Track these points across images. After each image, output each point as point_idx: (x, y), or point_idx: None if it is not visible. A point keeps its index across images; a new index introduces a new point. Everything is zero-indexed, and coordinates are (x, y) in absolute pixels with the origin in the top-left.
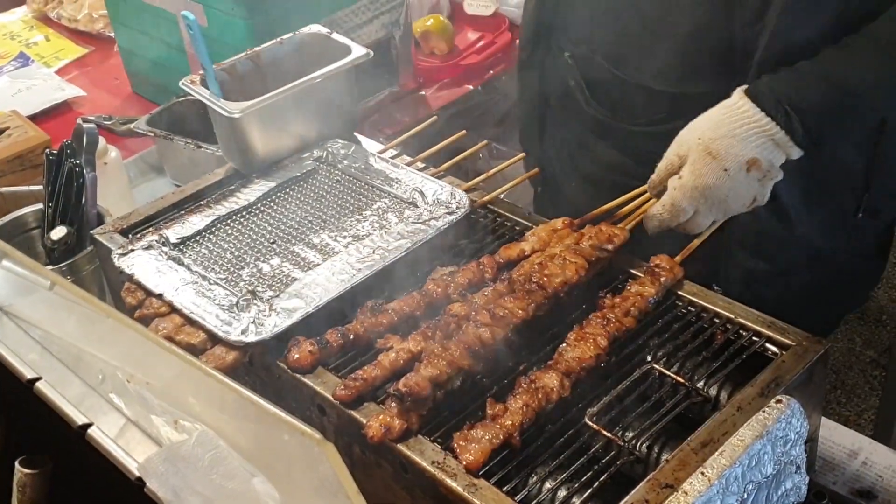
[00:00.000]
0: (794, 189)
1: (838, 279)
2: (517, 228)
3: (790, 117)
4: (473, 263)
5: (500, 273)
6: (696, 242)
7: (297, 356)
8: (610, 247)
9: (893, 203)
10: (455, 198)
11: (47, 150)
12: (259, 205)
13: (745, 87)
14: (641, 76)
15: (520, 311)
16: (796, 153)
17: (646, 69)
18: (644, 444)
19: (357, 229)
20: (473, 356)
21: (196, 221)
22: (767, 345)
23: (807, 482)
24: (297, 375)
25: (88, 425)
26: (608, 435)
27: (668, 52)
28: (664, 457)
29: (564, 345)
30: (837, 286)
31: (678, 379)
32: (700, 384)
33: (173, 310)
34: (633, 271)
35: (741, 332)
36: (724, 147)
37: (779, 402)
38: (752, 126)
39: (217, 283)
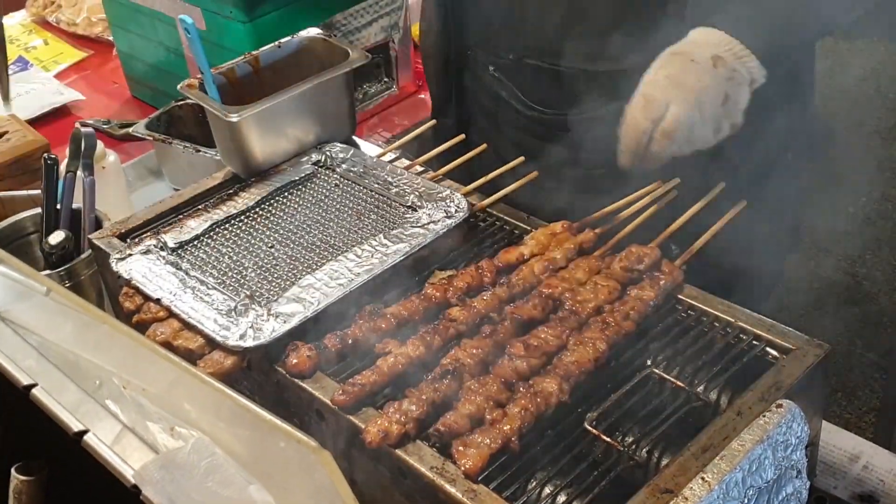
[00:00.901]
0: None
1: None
2: (516, 232)
3: (739, 26)
4: (472, 267)
5: (499, 277)
6: (697, 245)
7: (295, 361)
8: (641, 267)
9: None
10: (454, 201)
11: (46, 155)
12: (257, 209)
13: None
14: (583, 62)
15: (554, 340)
16: (757, 67)
17: (586, 53)
18: (644, 449)
19: (356, 233)
20: (510, 390)
21: (194, 226)
22: (768, 349)
23: (808, 487)
24: (296, 380)
25: (84, 432)
26: (608, 440)
27: (607, 28)
28: (664, 462)
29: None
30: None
31: (678, 383)
32: (700, 389)
33: (171, 315)
34: None
35: (741, 335)
36: (688, 47)
37: (779, 406)
38: (710, 37)
39: (215, 288)
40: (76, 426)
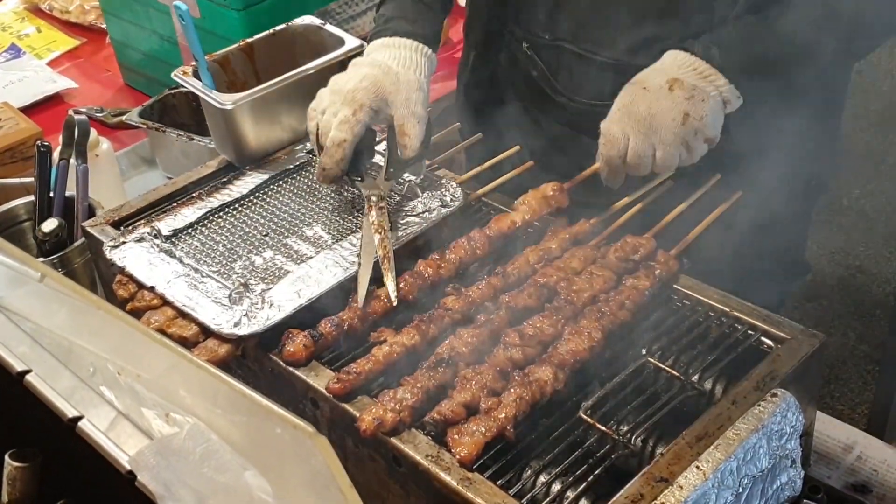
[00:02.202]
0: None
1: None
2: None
3: (708, 49)
4: (463, 239)
5: (492, 247)
6: (692, 234)
7: (291, 350)
8: (636, 257)
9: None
10: (449, 190)
11: (39, 142)
12: (252, 197)
13: None
14: (620, 54)
15: (549, 329)
16: (726, 87)
17: (625, 45)
18: (639, 438)
19: (350, 222)
20: (505, 379)
21: (188, 214)
22: (763, 338)
23: (802, 476)
24: (291, 368)
25: (79, 418)
26: (603, 429)
27: (649, 24)
28: (659, 450)
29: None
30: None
31: (673, 373)
32: (695, 378)
33: (165, 302)
34: None
35: (736, 325)
36: (645, 76)
37: (774, 395)
38: (674, 61)
39: (209, 276)
40: (70, 412)
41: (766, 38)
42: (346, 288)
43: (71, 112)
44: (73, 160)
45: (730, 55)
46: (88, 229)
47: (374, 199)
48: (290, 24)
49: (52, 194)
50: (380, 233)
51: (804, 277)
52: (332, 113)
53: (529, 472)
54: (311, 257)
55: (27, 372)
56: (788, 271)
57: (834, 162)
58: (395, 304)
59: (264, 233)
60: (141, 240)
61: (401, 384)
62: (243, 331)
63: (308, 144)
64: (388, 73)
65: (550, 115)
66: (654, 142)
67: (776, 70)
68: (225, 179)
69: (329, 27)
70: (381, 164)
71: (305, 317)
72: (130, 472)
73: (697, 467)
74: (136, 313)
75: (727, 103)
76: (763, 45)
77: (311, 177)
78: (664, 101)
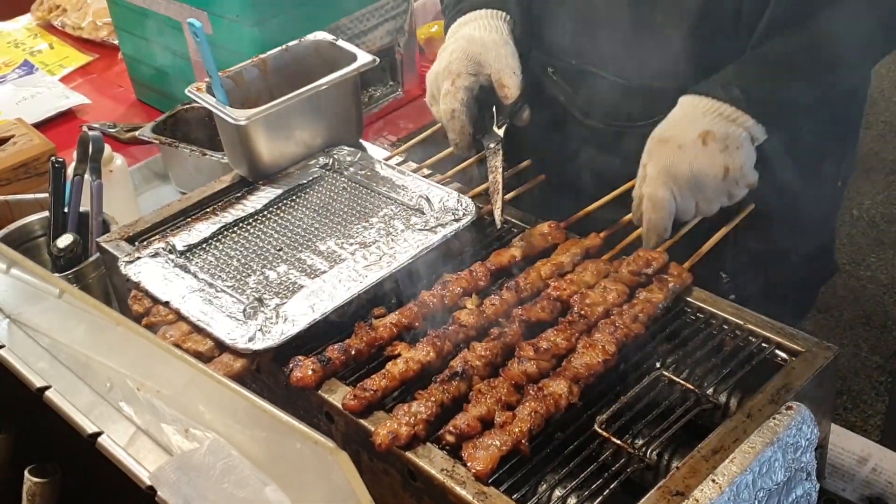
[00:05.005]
0: (784, 166)
1: (821, 249)
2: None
3: (728, 89)
4: (466, 272)
5: (493, 280)
6: (706, 248)
7: (299, 376)
8: (649, 271)
9: (851, 170)
10: (462, 204)
11: (53, 158)
12: (265, 212)
13: None
14: (648, 78)
15: (563, 343)
16: (754, 125)
17: (653, 68)
18: (654, 452)
19: (363, 236)
20: (520, 392)
21: (202, 229)
22: (777, 351)
23: (817, 489)
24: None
25: (98, 434)
26: (618, 442)
27: (676, 47)
28: (674, 464)
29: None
30: (818, 258)
31: (688, 386)
32: (710, 391)
33: (180, 317)
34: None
35: (750, 338)
36: (674, 131)
37: (789, 408)
38: (696, 109)
39: (224, 291)
40: (90, 428)
41: (779, 68)
42: (360, 302)
43: (85, 128)
44: (87, 176)
45: (751, 93)
46: (103, 245)
47: (491, 146)
48: (302, 39)
49: (66, 210)
50: (493, 172)
51: (833, 276)
52: (440, 91)
53: (545, 486)
54: (324, 272)
55: (47, 388)
56: (817, 269)
57: (854, 160)
58: (499, 226)
59: (278, 247)
60: (155, 255)
61: (415, 398)
62: (258, 345)
63: (321, 159)
64: (472, 41)
65: (574, 136)
66: (699, 199)
67: (798, 99)
68: (238, 194)
69: (341, 43)
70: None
71: (320, 331)
72: (151, 488)
73: (713, 481)
74: (152, 328)
75: (755, 140)
76: (779, 77)
77: (324, 191)
78: (703, 158)
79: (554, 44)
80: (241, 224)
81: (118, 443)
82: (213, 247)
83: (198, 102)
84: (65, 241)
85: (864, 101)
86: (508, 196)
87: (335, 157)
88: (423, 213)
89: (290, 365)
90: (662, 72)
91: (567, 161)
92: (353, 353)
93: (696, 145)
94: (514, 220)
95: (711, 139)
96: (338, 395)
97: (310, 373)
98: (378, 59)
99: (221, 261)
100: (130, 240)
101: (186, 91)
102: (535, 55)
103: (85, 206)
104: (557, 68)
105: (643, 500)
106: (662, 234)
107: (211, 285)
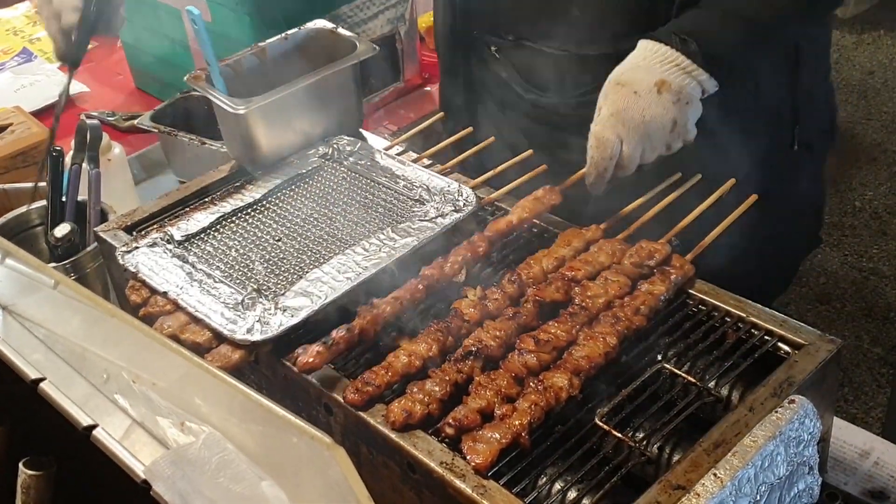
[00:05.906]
0: (729, 127)
1: (788, 221)
2: (525, 224)
3: (686, 42)
4: (465, 243)
5: (492, 248)
6: (708, 239)
7: (306, 360)
8: (651, 262)
9: (823, 137)
10: (462, 195)
11: (51, 147)
12: (264, 202)
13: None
14: (576, 46)
15: (564, 336)
16: (707, 79)
17: (579, 37)
18: (655, 445)
19: (363, 226)
20: (520, 385)
21: (201, 218)
22: (779, 344)
23: (819, 483)
24: (304, 375)
25: (94, 426)
26: (619, 436)
27: (599, 11)
28: (676, 458)
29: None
30: (789, 228)
31: (689, 379)
32: (711, 384)
33: (178, 308)
34: None
35: (753, 331)
36: (631, 76)
37: (791, 402)
38: (654, 56)
39: (222, 281)
40: (85, 421)
41: (734, 21)
42: (359, 293)
43: (83, 117)
44: (85, 164)
45: (708, 47)
46: (101, 234)
47: None
48: (302, 28)
49: (64, 199)
50: None
51: (813, 249)
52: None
53: (545, 479)
54: (324, 262)
55: (41, 380)
56: (792, 238)
57: (828, 131)
58: None
59: (277, 238)
60: (154, 245)
61: (429, 376)
62: (256, 337)
63: (321, 149)
64: None
65: (524, 113)
66: (645, 146)
67: (752, 46)
68: (237, 184)
69: (342, 31)
70: None
71: (319, 322)
72: (145, 482)
73: (715, 475)
74: (149, 318)
75: (706, 92)
76: (735, 28)
77: (323, 181)
78: (656, 107)
79: (490, 22)
80: (239, 214)
81: (113, 436)
82: (211, 237)
83: (196, 91)
84: (62, 230)
85: (824, 68)
86: (509, 186)
87: (335, 146)
88: (424, 203)
89: (297, 352)
90: (597, 40)
91: (519, 135)
92: (357, 331)
93: (651, 93)
94: (507, 208)
95: (666, 90)
96: (338, 389)
97: (315, 354)
98: (378, 48)
99: (220, 251)
100: (128, 229)
101: (185, 79)
102: (478, 35)
103: (83, 195)
104: (498, 46)
105: (644, 494)
106: (602, 175)
107: (209, 275)
